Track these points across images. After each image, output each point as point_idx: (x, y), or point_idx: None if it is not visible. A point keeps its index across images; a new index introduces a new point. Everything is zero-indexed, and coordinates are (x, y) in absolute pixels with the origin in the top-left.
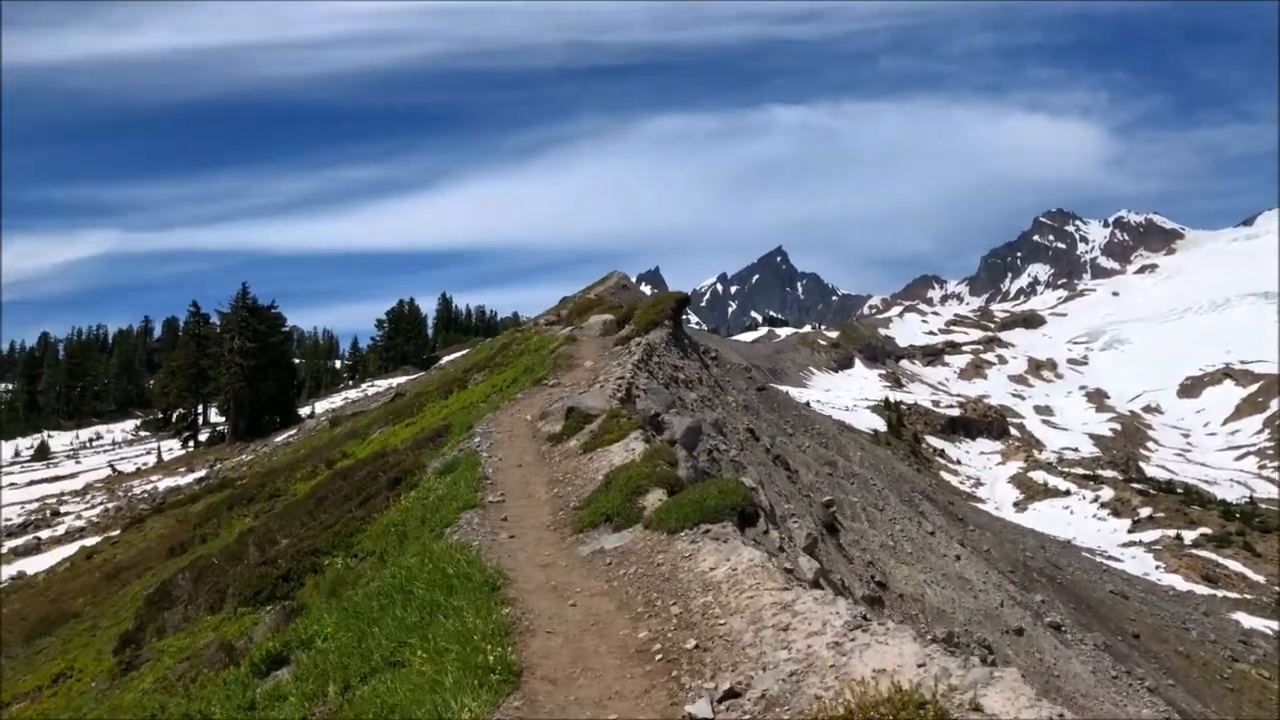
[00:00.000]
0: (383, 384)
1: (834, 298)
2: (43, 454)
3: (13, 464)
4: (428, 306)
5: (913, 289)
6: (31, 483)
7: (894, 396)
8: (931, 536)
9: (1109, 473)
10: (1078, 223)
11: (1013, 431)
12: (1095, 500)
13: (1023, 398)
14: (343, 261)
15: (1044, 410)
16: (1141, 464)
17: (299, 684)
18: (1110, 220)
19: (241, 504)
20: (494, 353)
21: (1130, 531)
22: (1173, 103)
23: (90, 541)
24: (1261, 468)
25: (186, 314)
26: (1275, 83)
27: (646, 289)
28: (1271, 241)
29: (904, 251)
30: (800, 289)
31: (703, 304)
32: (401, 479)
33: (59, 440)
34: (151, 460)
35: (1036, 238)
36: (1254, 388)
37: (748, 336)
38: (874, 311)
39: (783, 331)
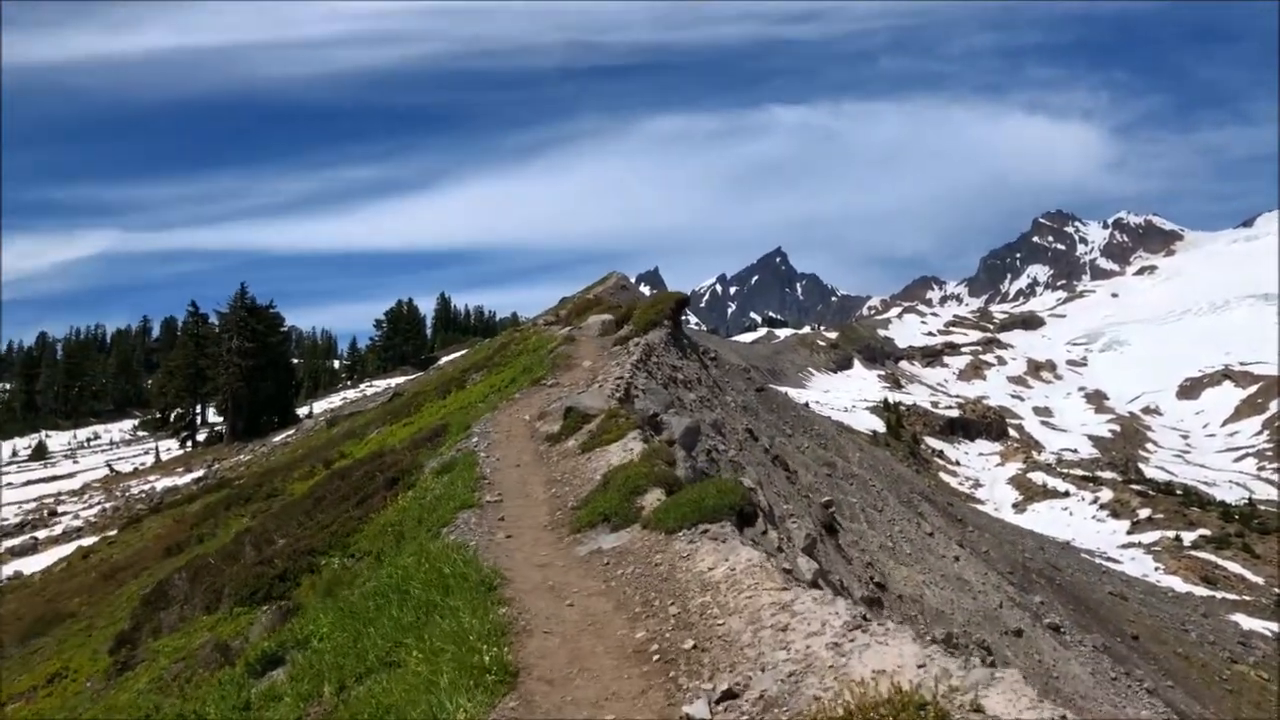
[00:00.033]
0: (381, 384)
1: (833, 298)
2: (40, 454)
3: (10, 464)
4: (426, 307)
5: (912, 290)
6: (29, 482)
7: (893, 397)
8: (930, 537)
9: (1108, 474)
10: (1077, 224)
11: (1012, 433)
12: (1094, 501)
13: (1022, 399)
14: (342, 261)
15: (1043, 411)
16: (1140, 465)
17: (294, 684)
18: (1110, 221)
19: (239, 504)
20: (492, 353)
21: (1129, 533)
22: (1173, 103)
23: (87, 541)
24: (1260, 469)
25: (185, 314)
26: (1275, 83)
27: (645, 289)
28: (1271, 243)
29: (903, 252)
30: (799, 290)
31: (702, 305)
32: (399, 479)
33: (56, 440)
34: (149, 460)
35: (1036, 239)
36: (1253, 389)
37: (747, 337)
38: (873, 312)
39: (782, 332)
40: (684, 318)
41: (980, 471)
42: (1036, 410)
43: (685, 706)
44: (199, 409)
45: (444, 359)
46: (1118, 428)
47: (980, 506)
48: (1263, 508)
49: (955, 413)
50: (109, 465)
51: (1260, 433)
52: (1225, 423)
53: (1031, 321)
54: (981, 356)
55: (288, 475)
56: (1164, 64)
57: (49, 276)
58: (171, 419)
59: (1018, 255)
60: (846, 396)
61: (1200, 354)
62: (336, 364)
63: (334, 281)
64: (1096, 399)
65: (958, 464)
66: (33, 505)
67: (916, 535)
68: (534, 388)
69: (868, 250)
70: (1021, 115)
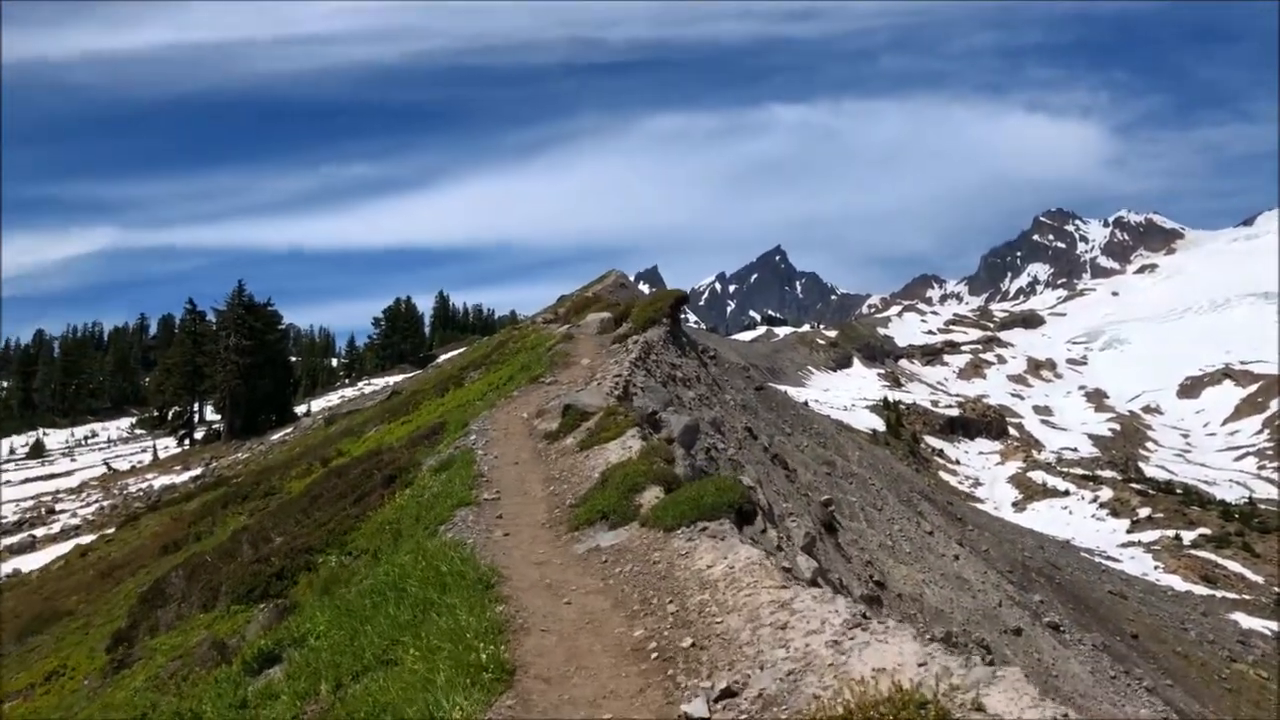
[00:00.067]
0: (379, 382)
1: (833, 297)
2: (38, 452)
3: (8, 462)
4: (425, 305)
5: (912, 288)
6: (26, 480)
7: (893, 396)
8: (930, 536)
9: (1108, 473)
10: (1077, 222)
11: (1012, 431)
12: (1094, 500)
13: (1022, 398)
14: (340, 259)
15: (1043, 410)
16: (1141, 464)
17: (291, 682)
18: (1110, 220)
19: (236, 502)
20: (491, 351)
21: (1129, 532)
22: (1173, 103)
23: (85, 539)
24: (1261, 468)
25: (183, 311)
26: (1275, 83)
27: (645, 287)
28: (1271, 241)
29: (903, 251)
30: (799, 288)
31: (701, 303)
32: (396, 477)
33: (54, 438)
34: (147, 458)
35: (1036, 237)
36: (1253, 388)
37: (746, 335)
38: (873, 311)
39: (781, 331)
40: (683, 316)
41: (980, 470)
42: (1036, 409)
43: (683, 705)
44: (197, 407)
45: (442, 357)
46: (1118, 426)
47: (980, 505)
48: (1263, 507)
49: (955, 411)
50: (106, 463)
51: (1260, 432)
52: (1225, 422)
53: (1032, 320)
54: (981, 355)
55: (285, 473)
56: (1164, 64)
57: (49, 273)
58: (169, 417)
59: (1018, 254)
60: (846, 395)
61: (1201, 353)
62: (334, 362)
63: (332, 279)
64: (1096, 398)
65: (957, 463)
66: (31, 503)
67: (916, 534)
68: (532, 385)
69: (867, 249)
70: (1022, 114)
